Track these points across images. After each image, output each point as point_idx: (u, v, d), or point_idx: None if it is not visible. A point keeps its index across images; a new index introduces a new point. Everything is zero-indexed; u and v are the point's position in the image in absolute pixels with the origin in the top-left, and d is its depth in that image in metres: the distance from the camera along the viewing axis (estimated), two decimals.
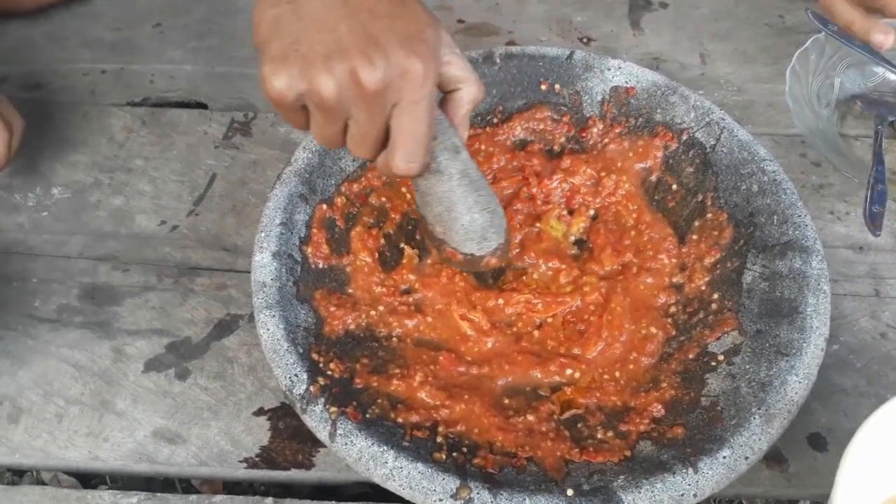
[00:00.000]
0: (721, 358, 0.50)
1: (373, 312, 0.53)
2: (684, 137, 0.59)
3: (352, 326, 0.52)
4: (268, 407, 0.54)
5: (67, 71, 0.74)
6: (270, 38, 0.39)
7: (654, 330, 0.53)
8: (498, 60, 0.61)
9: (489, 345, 0.53)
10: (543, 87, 0.62)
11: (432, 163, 0.46)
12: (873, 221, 0.60)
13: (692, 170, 0.59)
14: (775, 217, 0.53)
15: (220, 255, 0.61)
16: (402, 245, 0.57)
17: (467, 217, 0.49)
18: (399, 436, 0.45)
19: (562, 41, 0.78)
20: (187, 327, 0.57)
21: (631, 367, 0.52)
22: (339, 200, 0.56)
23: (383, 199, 0.58)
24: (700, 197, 0.58)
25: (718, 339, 0.51)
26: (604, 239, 0.58)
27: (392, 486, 0.42)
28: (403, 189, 0.59)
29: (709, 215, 0.57)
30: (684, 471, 0.43)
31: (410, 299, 0.55)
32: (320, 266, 0.53)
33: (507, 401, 0.50)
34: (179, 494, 0.50)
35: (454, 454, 0.45)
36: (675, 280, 0.56)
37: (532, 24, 0.79)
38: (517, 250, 0.58)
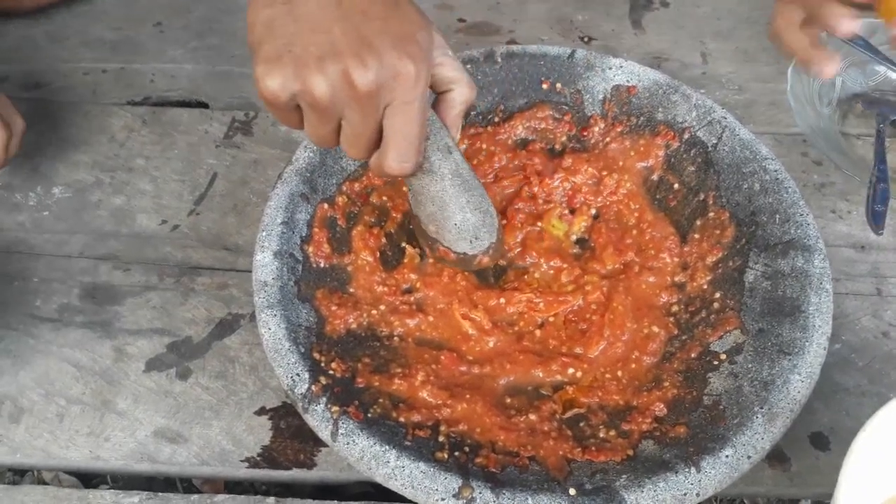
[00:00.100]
0: (723, 357, 0.50)
1: (374, 312, 0.53)
2: (686, 136, 0.59)
3: (353, 326, 0.52)
4: (269, 406, 0.54)
5: (68, 70, 0.74)
6: (264, 38, 0.40)
7: (656, 329, 0.53)
8: (499, 59, 0.61)
9: (491, 344, 0.53)
10: (545, 86, 0.62)
11: (425, 163, 0.46)
12: (875, 220, 0.60)
13: (694, 169, 0.59)
14: (777, 216, 0.53)
15: (222, 255, 0.61)
16: (403, 244, 0.57)
17: (459, 216, 0.50)
18: (401, 435, 0.45)
19: (563, 40, 0.78)
20: (188, 327, 0.57)
21: (633, 366, 0.52)
22: (341, 199, 0.56)
23: (384, 198, 0.58)
24: (702, 196, 0.58)
25: (720, 338, 0.51)
26: (605, 238, 0.58)
27: (394, 485, 0.42)
28: (404, 188, 0.58)
29: (711, 214, 0.57)
30: (687, 470, 0.43)
31: (412, 298, 0.55)
32: (321, 265, 0.53)
33: (508, 400, 0.50)
34: (181, 494, 0.50)
35: (456, 453, 0.45)
36: (676, 279, 0.56)
37: (533, 23, 0.79)
38: (518, 249, 0.58)
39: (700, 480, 0.42)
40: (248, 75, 0.73)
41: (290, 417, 0.53)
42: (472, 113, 0.61)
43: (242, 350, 0.56)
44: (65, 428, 0.52)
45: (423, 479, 0.42)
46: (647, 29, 0.79)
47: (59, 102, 0.71)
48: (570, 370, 0.52)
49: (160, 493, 0.50)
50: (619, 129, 0.61)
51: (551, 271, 0.57)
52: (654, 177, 0.60)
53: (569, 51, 0.61)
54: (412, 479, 0.42)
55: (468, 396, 0.49)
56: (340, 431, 0.43)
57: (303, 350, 0.47)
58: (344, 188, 0.56)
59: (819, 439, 0.53)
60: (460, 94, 0.46)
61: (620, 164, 0.61)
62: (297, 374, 0.46)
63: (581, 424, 0.48)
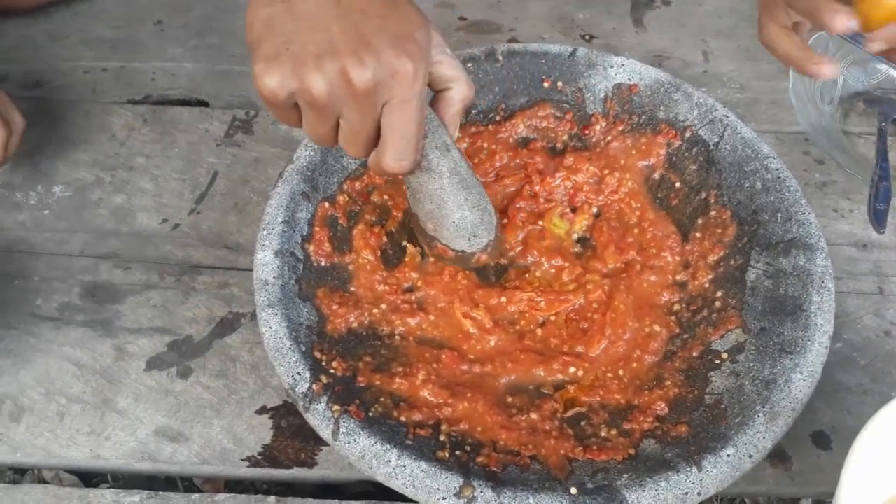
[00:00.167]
0: (725, 356, 0.50)
1: (375, 311, 0.53)
2: (687, 135, 0.59)
3: (354, 325, 0.52)
4: (270, 405, 0.54)
5: (68, 69, 0.73)
6: (263, 37, 0.40)
7: (657, 328, 0.53)
8: (500, 58, 0.61)
9: (492, 343, 0.53)
10: (546, 84, 0.61)
11: (423, 161, 0.46)
12: (877, 219, 0.60)
13: (695, 167, 0.58)
14: (779, 214, 0.53)
15: (222, 254, 0.61)
16: (404, 243, 0.56)
17: (458, 214, 0.50)
18: (402, 434, 0.45)
19: (564, 39, 0.78)
20: (189, 325, 0.57)
21: (634, 365, 0.52)
22: (342, 198, 0.56)
23: (385, 196, 0.58)
24: (703, 194, 0.57)
25: (722, 336, 0.51)
26: (607, 237, 0.58)
27: (395, 484, 0.42)
28: (405, 186, 0.58)
29: (712, 213, 0.57)
30: (688, 469, 0.42)
31: (413, 297, 0.55)
32: (322, 264, 0.53)
33: (510, 399, 0.50)
34: (181, 493, 0.50)
35: (457, 452, 0.45)
36: (678, 278, 0.56)
37: (534, 21, 0.79)
38: (519, 248, 0.58)
39: (701, 480, 0.42)
40: (248, 74, 0.72)
41: (291, 416, 0.53)
42: (474, 111, 0.61)
43: (243, 349, 0.56)
44: (65, 427, 0.52)
45: (425, 478, 0.42)
46: (649, 27, 0.79)
47: (60, 101, 0.71)
48: (572, 369, 0.52)
49: (161, 493, 0.50)
50: (620, 128, 0.61)
51: (552, 270, 0.57)
52: (656, 175, 0.60)
53: (570, 49, 0.61)
54: (413, 479, 0.42)
55: (469, 395, 0.49)
56: (341, 430, 0.43)
57: (304, 349, 0.47)
58: (345, 187, 0.56)
59: (821, 438, 0.53)
60: (458, 92, 0.46)
61: (622, 162, 0.60)
62: (298, 373, 0.45)
63: (582, 423, 0.48)
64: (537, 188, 0.60)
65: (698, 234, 0.57)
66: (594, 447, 0.46)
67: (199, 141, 0.68)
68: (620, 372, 0.51)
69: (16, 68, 0.73)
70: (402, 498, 0.43)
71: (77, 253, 0.61)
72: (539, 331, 0.54)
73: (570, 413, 0.49)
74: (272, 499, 0.50)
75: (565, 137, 0.62)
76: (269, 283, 0.49)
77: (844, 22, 0.48)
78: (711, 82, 0.74)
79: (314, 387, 0.45)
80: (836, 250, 0.62)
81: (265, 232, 0.51)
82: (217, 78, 0.73)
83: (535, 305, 0.54)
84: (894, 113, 0.69)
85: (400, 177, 0.50)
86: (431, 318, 0.54)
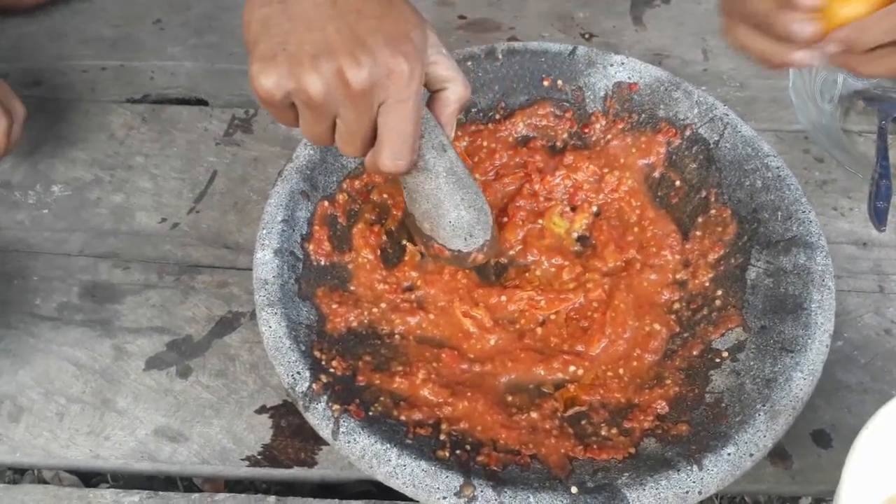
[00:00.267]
0: (725, 354, 0.50)
1: (375, 310, 0.53)
2: (687, 133, 0.59)
3: (354, 324, 0.52)
4: (270, 405, 0.54)
5: (67, 68, 0.73)
6: (260, 37, 0.40)
7: (657, 327, 0.53)
8: (500, 56, 0.61)
9: (492, 342, 0.53)
10: (546, 83, 0.61)
11: (419, 161, 0.46)
12: (878, 217, 0.60)
13: (695, 166, 0.58)
14: (779, 213, 0.53)
15: (222, 253, 0.61)
16: (404, 242, 0.56)
17: (454, 214, 0.50)
18: (402, 433, 0.45)
19: (563, 37, 0.78)
20: (188, 325, 0.57)
21: (634, 363, 0.52)
22: (341, 197, 0.56)
23: (385, 195, 0.58)
24: (703, 193, 0.57)
25: (722, 335, 0.51)
26: (607, 235, 0.58)
27: (395, 483, 0.42)
28: (402, 187, 0.58)
29: (712, 211, 0.56)
30: (689, 468, 0.42)
31: (413, 296, 0.55)
32: (322, 263, 0.53)
33: (510, 398, 0.50)
34: (181, 493, 0.50)
35: (457, 452, 0.45)
36: (678, 276, 0.56)
37: (533, 19, 0.79)
38: (519, 247, 0.58)
39: (702, 478, 0.42)
40: (247, 73, 0.72)
41: (291, 416, 0.53)
42: (473, 110, 0.61)
43: (243, 348, 0.56)
44: (65, 427, 0.52)
45: (425, 477, 0.42)
46: (648, 25, 0.79)
47: (59, 100, 0.71)
48: (572, 368, 0.51)
49: (161, 492, 0.50)
50: (620, 126, 0.61)
51: (552, 269, 0.57)
52: (656, 174, 0.60)
53: (570, 47, 0.61)
54: (413, 478, 0.42)
55: (469, 394, 0.49)
56: (341, 430, 0.43)
57: (303, 348, 0.47)
58: (344, 186, 0.56)
59: (821, 437, 0.53)
60: (454, 92, 0.46)
61: (622, 161, 0.60)
62: (298, 373, 0.45)
63: (582, 422, 0.48)
64: (537, 187, 0.60)
65: (698, 233, 0.57)
66: (594, 446, 0.46)
67: (199, 140, 0.68)
68: (621, 371, 0.51)
69: (15, 67, 0.73)
70: (403, 497, 0.43)
71: (76, 252, 0.61)
72: (539, 330, 0.54)
73: (570, 412, 0.49)
74: (272, 498, 0.50)
75: (565, 136, 0.62)
76: (269, 283, 0.49)
77: (809, 29, 0.46)
78: (711, 80, 0.74)
79: (314, 386, 0.45)
80: (836, 248, 0.62)
81: (264, 231, 0.51)
82: (216, 77, 0.73)
83: (535, 304, 0.54)
84: (894, 111, 0.69)
85: (397, 177, 0.50)
86: (431, 317, 0.54)
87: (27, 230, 0.62)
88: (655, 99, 0.60)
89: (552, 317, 0.54)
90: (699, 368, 0.50)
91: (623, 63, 0.61)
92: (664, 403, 0.48)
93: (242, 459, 0.51)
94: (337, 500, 0.50)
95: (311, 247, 0.53)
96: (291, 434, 0.52)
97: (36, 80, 0.72)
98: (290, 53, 0.39)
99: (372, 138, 0.43)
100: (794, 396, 0.45)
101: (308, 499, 0.50)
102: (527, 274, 0.57)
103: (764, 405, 0.45)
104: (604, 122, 0.61)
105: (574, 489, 0.42)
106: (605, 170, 0.60)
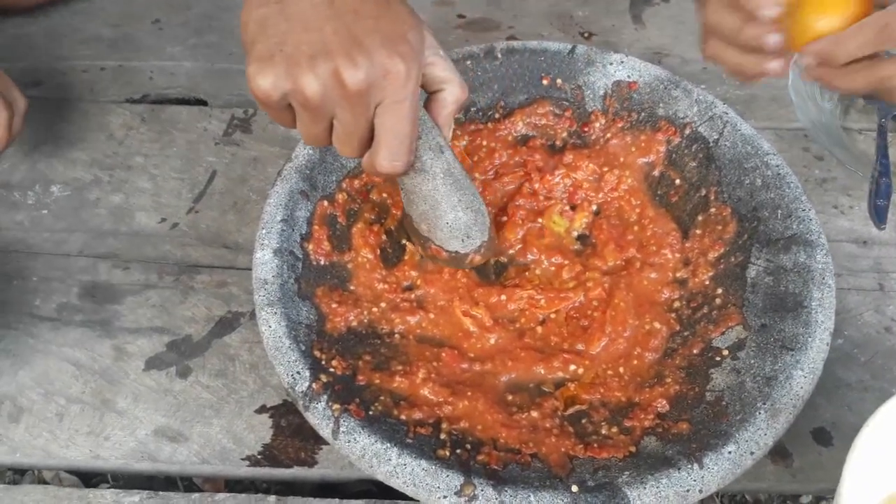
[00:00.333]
0: (725, 353, 0.50)
1: (375, 309, 0.53)
2: (687, 132, 0.59)
3: (354, 323, 0.52)
4: (270, 404, 0.54)
5: (66, 68, 0.73)
6: (257, 37, 0.40)
7: (657, 325, 0.53)
8: (499, 55, 0.61)
9: (492, 341, 0.53)
10: (545, 81, 0.61)
11: (416, 162, 0.46)
12: (878, 215, 0.60)
13: (695, 164, 0.58)
14: (779, 211, 0.53)
15: (221, 253, 0.61)
16: (403, 241, 0.56)
17: (451, 215, 0.50)
18: (402, 433, 0.45)
19: (563, 36, 0.78)
20: (188, 325, 0.57)
21: (635, 362, 0.52)
22: (340, 197, 0.56)
23: (384, 194, 0.58)
24: (703, 191, 0.57)
25: (723, 334, 0.51)
26: (606, 234, 0.58)
27: (395, 483, 0.42)
28: (400, 188, 0.58)
29: (712, 210, 0.56)
30: (689, 466, 0.42)
31: (412, 296, 0.55)
32: (322, 263, 0.53)
33: (510, 397, 0.50)
34: (182, 493, 0.50)
35: (458, 451, 0.45)
36: (678, 275, 0.56)
37: (533, 18, 0.79)
38: (519, 246, 0.58)
39: (703, 477, 0.42)
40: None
41: (291, 415, 0.53)
42: (473, 109, 0.61)
43: (242, 348, 0.56)
44: (64, 427, 0.52)
45: (425, 476, 0.42)
46: (648, 24, 0.79)
47: (58, 100, 0.71)
48: (572, 367, 0.51)
49: (161, 493, 0.50)
50: (619, 125, 0.61)
51: (552, 268, 0.57)
52: (656, 172, 0.60)
53: (569, 46, 0.61)
54: (414, 477, 0.42)
55: (469, 394, 0.49)
56: (341, 429, 0.43)
57: (303, 348, 0.47)
58: (344, 185, 0.56)
59: (821, 435, 0.53)
60: (451, 93, 0.46)
61: (621, 159, 0.60)
62: (298, 372, 0.45)
63: (583, 421, 0.48)
64: (537, 186, 0.60)
65: (698, 231, 0.57)
66: (595, 445, 0.46)
67: (198, 140, 0.68)
68: (621, 369, 0.51)
69: (14, 67, 0.73)
70: (403, 497, 0.43)
71: (75, 253, 0.61)
72: (539, 329, 0.54)
73: (570, 411, 0.49)
74: (272, 498, 0.50)
75: (564, 135, 0.62)
76: (269, 282, 0.49)
77: (772, 11, 0.46)
78: (711, 79, 0.74)
79: (314, 386, 0.45)
80: (836, 247, 0.62)
81: (264, 231, 0.51)
82: (216, 77, 0.73)
83: (535, 303, 0.54)
84: (894, 109, 0.69)
85: (394, 178, 0.50)
86: (431, 316, 0.54)
87: (26, 231, 0.62)
88: (655, 97, 0.60)
89: (552, 316, 0.54)
90: (699, 367, 0.50)
91: (622, 62, 0.61)
92: (665, 402, 0.48)
93: (242, 459, 0.51)
94: (337, 500, 0.50)
95: (310, 246, 0.53)
96: (291, 434, 0.52)
97: (35, 80, 0.72)
98: (287, 54, 0.39)
99: (369, 139, 0.43)
100: (794, 395, 0.45)
101: (308, 498, 0.50)
102: (527, 273, 0.57)
103: (764, 403, 0.45)
104: (603, 121, 0.61)
105: (574, 488, 0.42)
106: (605, 168, 0.60)
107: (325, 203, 0.55)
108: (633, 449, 0.45)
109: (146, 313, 0.58)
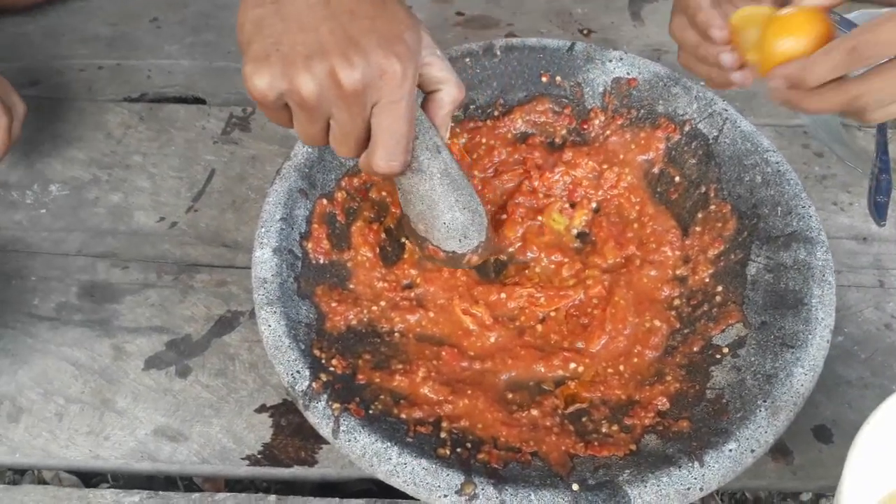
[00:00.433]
0: (726, 350, 0.50)
1: (374, 308, 0.53)
2: (687, 129, 0.59)
3: (353, 322, 0.52)
4: (270, 404, 0.53)
5: (64, 67, 0.73)
6: (253, 37, 0.40)
7: (657, 323, 0.53)
8: (498, 52, 0.60)
9: (492, 339, 0.53)
10: (544, 79, 0.61)
11: (413, 162, 0.46)
12: (878, 211, 0.60)
13: (695, 161, 0.58)
14: (779, 208, 0.53)
15: (220, 252, 0.61)
16: (402, 240, 0.56)
17: (449, 215, 0.50)
18: (402, 432, 0.45)
19: (562, 33, 0.77)
20: (187, 324, 0.57)
21: (635, 360, 0.51)
22: (340, 195, 0.56)
23: (383, 193, 0.58)
24: (703, 188, 0.57)
25: (723, 331, 0.51)
26: (606, 232, 0.58)
27: (396, 482, 0.42)
28: (397, 188, 0.58)
29: (712, 207, 0.56)
30: (690, 464, 0.42)
31: (412, 294, 0.55)
32: (321, 261, 0.53)
33: (510, 396, 0.50)
34: (182, 493, 0.50)
35: (458, 450, 0.45)
36: (678, 272, 0.55)
37: (531, 15, 0.79)
38: (519, 244, 0.58)
39: (703, 475, 0.42)
40: None
41: (291, 415, 0.53)
42: (472, 106, 0.61)
43: (242, 347, 0.56)
44: (64, 427, 0.52)
45: (426, 475, 0.42)
46: (647, 21, 0.79)
47: (56, 99, 0.70)
48: (572, 365, 0.51)
49: (161, 492, 0.50)
50: (619, 122, 0.61)
51: (552, 266, 0.57)
52: (655, 170, 0.60)
53: (568, 43, 0.61)
54: (414, 476, 0.42)
55: (469, 392, 0.49)
56: (342, 428, 0.43)
57: (303, 347, 0.47)
58: (343, 184, 0.56)
59: (822, 432, 0.53)
60: (448, 94, 0.46)
61: (621, 157, 0.60)
62: (298, 372, 0.45)
63: (583, 419, 0.48)
64: (536, 183, 0.59)
65: (698, 229, 0.56)
66: (595, 443, 0.46)
67: (196, 138, 0.68)
68: (621, 367, 0.51)
69: (11, 66, 0.72)
70: (403, 496, 0.43)
71: (74, 252, 0.61)
72: (539, 327, 0.54)
73: (570, 409, 0.49)
74: (273, 497, 0.49)
75: (564, 132, 0.62)
76: (268, 281, 0.48)
77: (720, 35, 0.48)
78: None
79: (314, 385, 0.45)
80: (836, 243, 0.62)
81: (263, 230, 0.51)
82: (214, 75, 0.73)
83: (534, 301, 0.54)
84: None
85: (391, 178, 0.50)
86: (431, 314, 0.54)
87: (25, 230, 0.62)
88: (654, 94, 0.60)
89: (552, 314, 0.54)
90: (700, 364, 0.50)
91: (622, 59, 0.60)
92: (665, 400, 0.48)
93: (243, 459, 0.51)
94: (337, 499, 0.50)
95: (309, 245, 0.53)
96: (291, 433, 0.52)
97: (33, 79, 0.72)
98: (283, 54, 0.39)
99: (366, 139, 0.43)
100: (795, 392, 0.45)
101: (308, 498, 0.50)
102: (526, 271, 0.57)
103: (765, 401, 0.45)
104: (603, 118, 0.61)
105: (575, 486, 0.42)
106: (605, 166, 0.60)
107: (325, 201, 0.55)
108: (633, 447, 0.45)
109: (145, 312, 0.58)
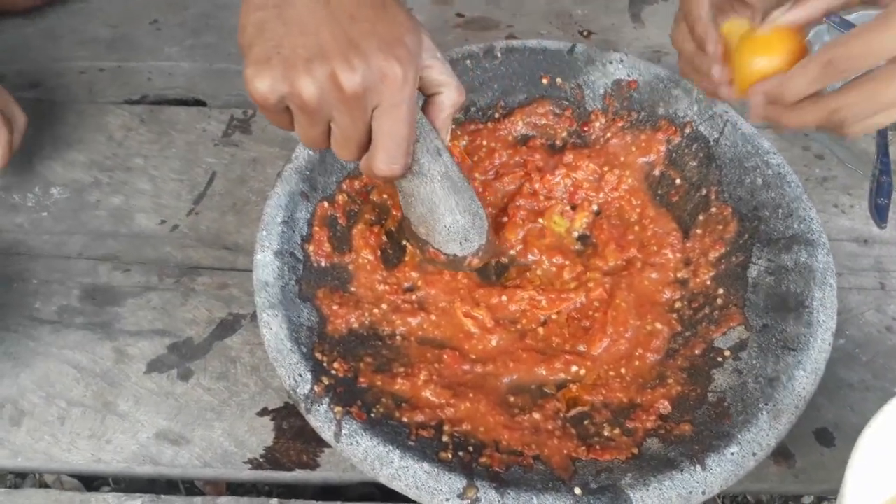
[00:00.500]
0: (727, 353, 0.50)
1: (376, 311, 0.53)
2: (687, 131, 0.59)
3: (355, 325, 0.52)
4: (272, 407, 0.53)
5: (64, 69, 0.73)
6: (254, 40, 0.40)
7: (659, 326, 0.53)
8: (499, 54, 0.60)
9: (493, 342, 0.53)
10: (545, 81, 0.61)
11: (414, 165, 0.46)
12: (879, 214, 0.60)
13: (696, 163, 0.58)
14: (780, 210, 0.53)
15: (221, 254, 0.61)
16: (404, 242, 0.56)
17: (449, 218, 0.50)
18: (404, 435, 0.45)
19: (562, 35, 0.77)
20: (189, 327, 0.57)
21: (636, 363, 0.52)
22: (341, 198, 0.56)
23: (384, 196, 0.58)
24: (704, 191, 0.57)
25: (724, 334, 0.51)
26: (607, 234, 0.58)
27: (398, 486, 0.42)
28: (398, 191, 0.58)
29: (713, 209, 0.56)
30: (692, 468, 0.42)
31: (413, 297, 0.55)
32: (322, 264, 0.53)
33: (512, 399, 0.50)
34: (183, 496, 0.50)
35: (460, 453, 0.45)
36: (679, 275, 0.55)
37: (532, 17, 0.79)
38: (520, 246, 0.58)
39: (706, 478, 0.42)
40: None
41: (293, 418, 0.53)
42: (472, 109, 0.61)
43: (244, 350, 0.56)
44: (66, 430, 0.52)
45: (428, 479, 0.42)
46: (647, 22, 0.79)
47: (56, 102, 0.70)
48: (574, 368, 0.51)
49: (163, 496, 0.50)
50: (619, 124, 0.61)
51: (553, 268, 0.57)
52: (656, 172, 0.60)
53: (569, 45, 0.61)
54: (416, 480, 0.42)
55: (471, 395, 0.49)
56: (344, 432, 0.43)
57: (305, 350, 0.47)
58: (344, 186, 0.56)
59: (824, 435, 0.53)
60: (449, 97, 0.46)
61: (622, 159, 0.60)
62: (300, 375, 0.45)
63: (585, 423, 0.48)
64: (537, 186, 0.59)
65: (699, 231, 0.56)
66: (597, 447, 0.46)
67: (197, 141, 0.68)
68: (623, 370, 0.51)
69: (11, 69, 0.72)
70: (405, 499, 0.43)
71: (76, 255, 0.61)
72: (540, 330, 0.54)
73: (572, 412, 0.49)
74: (274, 501, 0.49)
75: (564, 134, 0.62)
76: (270, 284, 0.48)
77: (725, 92, 0.50)
78: None
79: (316, 388, 0.45)
80: (836, 246, 0.62)
81: (264, 232, 0.51)
82: (214, 77, 0.73)
83: (536, 304, 0.54)
84: None
85: (392, 181, 0.50)
86: (432, 317, 0.54)
87: (26, 233, 0.62)
88: (655, 96, 0.60)
89: (553, 316, 0.54)
90: (701, 368, 0.50)
91: (622, 60, 0.60)
92: (667, 403, 0.48)
93: (244, 462, 0.51)
94: (339, 503, 0.50)
95: (311, 248, 0.53)
96: (293, 436, 0.52)
97: (33, 81, 0.72)
98: (284, 57, 0.39)
99: (367, 142, 0.43)
100: (796, 395, 0.45)
101: (310, 501, 0.50)
102: (528, 273, 0.57)
103: (767, 404, 0.45)
104: (603, 121, 0.61)
105: (578, 490, 0.42)
106: (605, 168, 0.60)
107: (326, 204, 0.55)
108: (635, 450, 0.45)
109: (147, 315, 0.58)
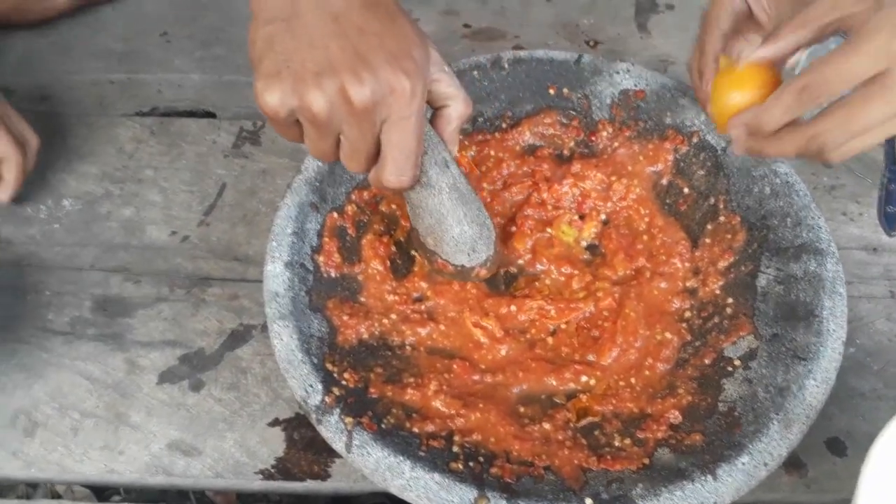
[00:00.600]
0: (737, 363, 0.50)
1: (385, 321, 0.53)
2: (695, 140, 0.59)
3: (365, 335, 0.52)
4: (282, 418, 0.54)
5: (75, 82, 0.74)
6: (264, 54, 0.40)
7: (668, 335, 0.53)
8: (506, 65, 0.61)
9: (503, 352, 0.53)
10: (552, 91, 0.61)
11: (423, 177, 0.47)
12: (888, 222, 0.60)
13: (703, 173, 0.58)
14: (788, 219, 0.53)
15: (232, 265, 0.61)
16: (413, 252, 0.56)
17: (457, 229, 0.50)
18: (415, 446, 0.45)
19: (569, 45, 0.78)
20: (200, 338, 0.57)
21: (646, 373, 0.52)
22: (350, 208, 0.56)
23: (393, 206, 0.58)
24: (712, 200, 0.57)
25: (734, 343, 0.51)
26: (616, 244, 0.58)
27: (409, 496, 0.42)
28: (406, 202, 0.58)
29: (721, 218, 0.56)
30: (703, 478, 0.42)
31: (423, 307, 0.55)
32: (332, 275, 0.53)
33: (522, 409, 0.50)
34: None
35: (471, 464, 0.45)
36: (688, 284, 0.56)
37: (538, 28, 0.79)
38: (528, 256, 0.58)
39: (717, 489, 0.42)
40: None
41: (304, 429, 0.53)
42: (480, 119, 0.61)
43: (255, 361, 0.56)
44: (79, 442, 0.52)
45: (439, 490, 0.42)
46: (653, 32, 0.79)
47: (67, 114, 0.71)
48: (584, 378, 0.51)
49: None
50: (627, 134, 0.61)
51: (562, 278, 0.57)
52: (664, 181, 0.60)
53: (576, 55, 0.61)
54: (427, 490, 0.42)
55: (481, 405, 0.49)
56: (354, 442, 0.43)
57: (315, 361, 0.47)
58: (353, 197, 0.56)
59: (835, 445, 0.53)
60: (456, 109, 0.46)
61: (629, 168, 0.60)
62: (311, 385, 0.45)
63: (595, 433, 0.48)
64: (545, 196, 0.60)
65: (708, 240, 0.57)
66: (608, 457, 0.46)
67: (207, 152, 0.68)
68: (633, 380, 0.51)
69: (22, 82, 0.73)
70: None
71: (87, 267, 0.61)
72: (550, 339, 0.54)
73: (583, 422, 0.49)
74: None
75: (572, 144, 0.62)
76: (280, 295, 0.49)
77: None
78: None
79: (326, 399, 0.45)
80: (845, 254, 0.62)
81: (274, 243, 0.51)
82: (224, 89, 0.73)
83: (545, 314, 0.54)
84: None
85: (401, 192, 0.50)
86: (442, 327, 0.54)
87: (39, 245, 0.62)
88: (662, 106, 0.60)
89: (563, 326, 0.54)
90: (711, 377, 0.50)
91: (629, 70, 0.61)
92: (677, 413, 0.48)
93: (256, 473, 0.51)
94: None
95: (321, 258, 0.53)
96: (304, 447, 0.52)
97: (44, 94, 0.73)
98: (293, 70, 0.39)
99: (375, 154, 0.43)
100: (807, 404, 0.45)
101: None
102: (536, 283, 0.57)
103: (777, 414, 0.45)
104: (610, 130, 0.61)
105: (589, 501, 0.42)
106: (613, 178, 0.60)
107: (335, 215, 0.55)
108: (646, 461, 0.45)
109: (158, 326, 0.58)
